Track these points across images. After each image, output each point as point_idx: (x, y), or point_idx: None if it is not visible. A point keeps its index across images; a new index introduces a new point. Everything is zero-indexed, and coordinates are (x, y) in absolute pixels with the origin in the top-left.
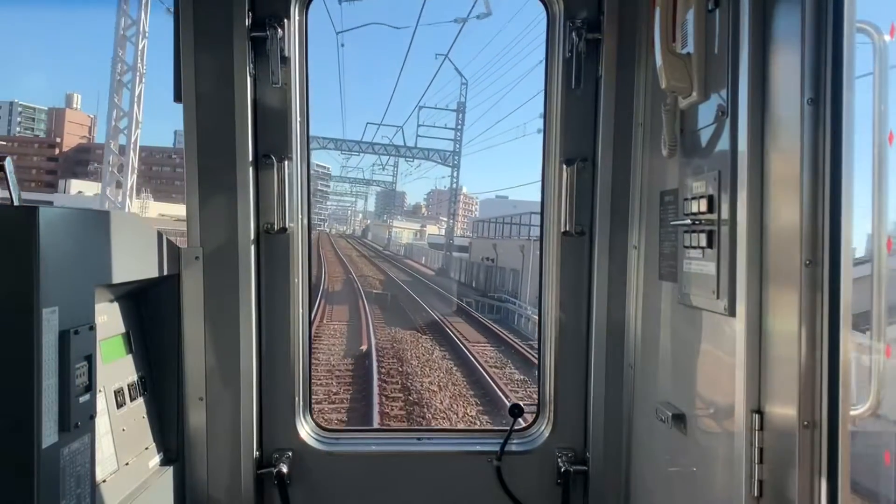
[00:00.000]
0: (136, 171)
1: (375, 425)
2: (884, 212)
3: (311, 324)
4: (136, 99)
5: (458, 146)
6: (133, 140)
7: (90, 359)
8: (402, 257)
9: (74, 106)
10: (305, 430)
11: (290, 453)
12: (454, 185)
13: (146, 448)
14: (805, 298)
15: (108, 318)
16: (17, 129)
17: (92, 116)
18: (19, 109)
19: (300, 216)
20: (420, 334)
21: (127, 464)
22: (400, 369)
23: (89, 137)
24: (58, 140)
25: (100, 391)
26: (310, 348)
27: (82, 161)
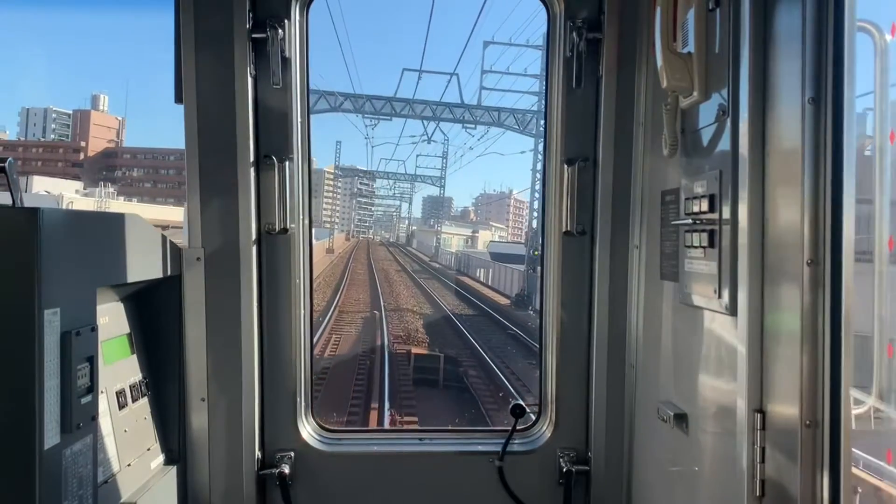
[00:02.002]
0: None
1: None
2: (884, 211)
3: (312, 324)
4: None
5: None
6: None
7: (92, 360)
8: (455, 271)
9: (101, 108)
10: (307, 431)
11: (292, 454)
12: (539, 163)
13: (148, 449)
14: (807, 298)
15: (110, 320)
16: (52, 135)
17: (120, 119)
18: (53, 115)
19: (301, 217)
20: None
21: (129, 465)
22: None
23: (117, 141)
24: (82, 144)
25: (102, 392)
26: (311, 349)
27: (109, 166)
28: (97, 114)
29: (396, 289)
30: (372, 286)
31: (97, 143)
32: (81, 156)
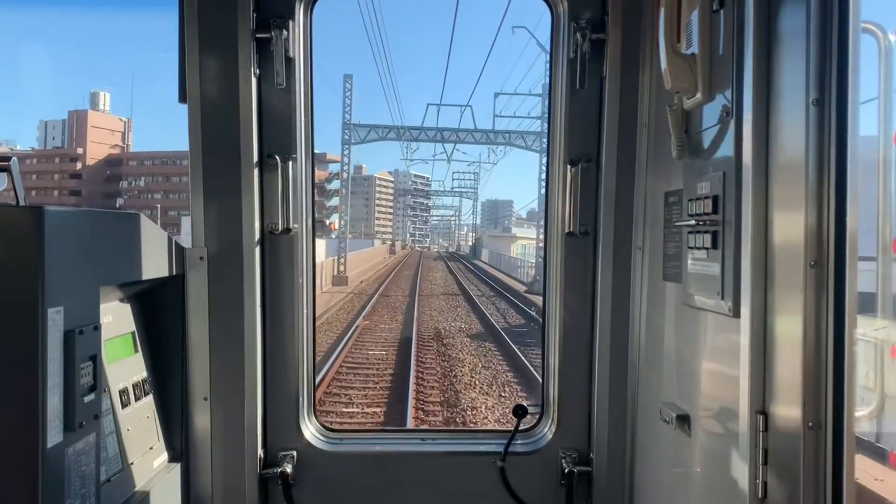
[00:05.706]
0: None
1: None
2: (889, 212)
3: (315, 323)
4: None
5: None
6: None
7: (95, 359)
8: None
9: (101, 107)
10: (310, 431)
11: (295, 453)
12: None
13: (151, 448)
14: (810, 299)
15: (113, 319)
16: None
17: (125, 120)
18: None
19: (304, 216)
20: None
21: (132, 463)
22: None
23: (123, 146)
24: (79, 151)
25: (104, 391)
26: (314, 349)
27: (113, 176)
28: (96, 114)
29: None
30: None
31: (98, 148)
32: (79, 165)
